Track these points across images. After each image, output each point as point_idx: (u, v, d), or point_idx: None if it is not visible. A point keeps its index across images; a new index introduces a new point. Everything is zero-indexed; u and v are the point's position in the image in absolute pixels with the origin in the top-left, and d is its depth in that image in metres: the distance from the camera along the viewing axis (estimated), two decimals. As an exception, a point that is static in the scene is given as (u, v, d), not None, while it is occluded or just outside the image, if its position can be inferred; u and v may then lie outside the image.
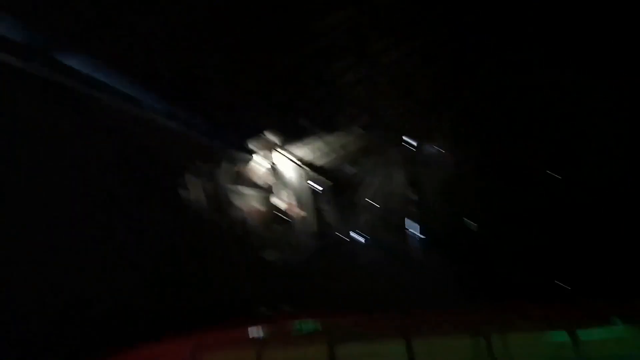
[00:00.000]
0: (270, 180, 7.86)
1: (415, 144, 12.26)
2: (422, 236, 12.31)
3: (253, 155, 6.56)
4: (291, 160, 8.64)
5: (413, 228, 12.45)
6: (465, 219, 8.05)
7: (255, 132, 5.81)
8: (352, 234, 13.16)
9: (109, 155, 2.52)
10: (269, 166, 7.33)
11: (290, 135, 6.73)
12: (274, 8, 3.06)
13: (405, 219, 12.59)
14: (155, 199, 3.02)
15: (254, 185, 7.23)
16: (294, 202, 8.90)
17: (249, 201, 6.98)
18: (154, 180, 2.98)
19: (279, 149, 7.13)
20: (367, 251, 12.27)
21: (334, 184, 13.63)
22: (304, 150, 8.82)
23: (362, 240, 12.95)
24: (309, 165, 9.75)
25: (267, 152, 6.81)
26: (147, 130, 3.05)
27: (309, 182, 10.67)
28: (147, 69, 2.85)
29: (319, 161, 9.97)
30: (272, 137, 6.42)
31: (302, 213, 9.23)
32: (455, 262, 8.17)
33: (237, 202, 6.45)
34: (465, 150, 7.75)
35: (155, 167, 3.05)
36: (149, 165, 2.95)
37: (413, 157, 12.19)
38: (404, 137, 11.85)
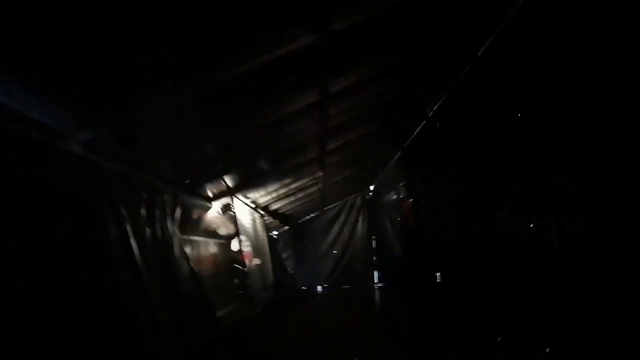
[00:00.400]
0: (225, 227, 7.34)
1: (375, 190, 12.15)
2: (382, 283, 11.96)
3: (207, 200, 6.08)
4: (248, 205, 8.17)
5: (374, 274, 12.14)
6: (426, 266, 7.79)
7: (211, 176, 5.36)
8: (311, 282, 12.69)
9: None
10: (224, 212, 6.84)
11: (249, 179, 6.33)
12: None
13: (366, 265, 12.30)
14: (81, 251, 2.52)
15: (207, 233, 6.67)
16: (250, 250, 8.35)
17: (201, 250, 6.41)
18: (78, 227, 2.49)
19: (235, 194, 6.68)
20: (327, 300, 11.78)
21: (293, 230, 13.23)
22: (263, 196, 8.38)
23: (322, 288, 12.49)
24: (267, 210, 9.31)
25: (222, 196, 6.35)
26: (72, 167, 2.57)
27: (267, 228, 10.20)
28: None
29: (278, 206, 9.56)
30: (228, 180, 5.98)
31: (259, 262, 8.67)
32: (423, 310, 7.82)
33: (188, 251, 5.85)
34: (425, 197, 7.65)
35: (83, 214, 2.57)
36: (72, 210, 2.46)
37: (373, 203, 12.05)
38: (364, 185, 11.77)
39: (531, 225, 4.19)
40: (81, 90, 2.43)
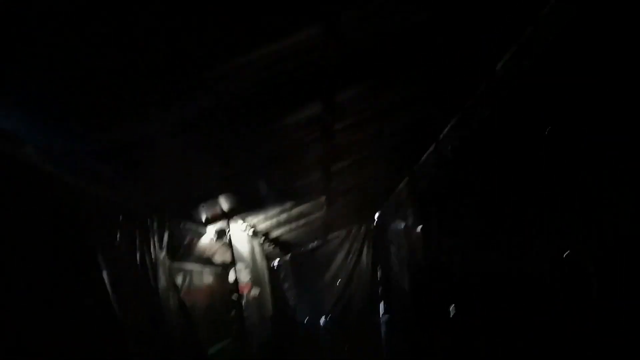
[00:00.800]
0: (220, 254, 6.88)
1: (380, 218, 11.67)
2: (388, 316, 11.42)
3: (200, 224, 5.64)
4: (246, 231, 7.70)
5: (379, 307, 11.51)
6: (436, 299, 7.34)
7: (204, 196, 4.93)
8: (312, 315, 12.05)
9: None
10: (220, 238, 6.39)
11: (247, 202, 5.90)
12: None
13: (371, 297, 11.68)
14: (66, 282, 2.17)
15: (200, 260, 6.21)
16: (248, 281, 7.83)
17: (193, 279, 5.92)
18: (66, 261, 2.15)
19: (231, 218, 6.26)
20: (329, 335, 11.14)
21: (294, 259, 12.66)
22: (263, 221, 7.92)
23: (325, 321, 11.83)
24: (267, 237, 8.82)
25: (217, 220, 5.92)
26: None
27: (267, 256, 9.69)
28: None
29: (278, 233, 9.07)
30: (224, 203, 5.56)
31: (258, 293, 8.13)
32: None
33: (178, 280, 5.38)
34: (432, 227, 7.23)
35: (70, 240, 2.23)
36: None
37: (379, 232, 11.53)
38: (369, 212, 11.30)
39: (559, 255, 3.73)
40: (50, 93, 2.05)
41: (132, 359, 3.15)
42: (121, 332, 3.08)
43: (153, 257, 4.03)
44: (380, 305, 11.58)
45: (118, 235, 3.25)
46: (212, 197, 5.05)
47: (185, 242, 5.53)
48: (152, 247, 4.04)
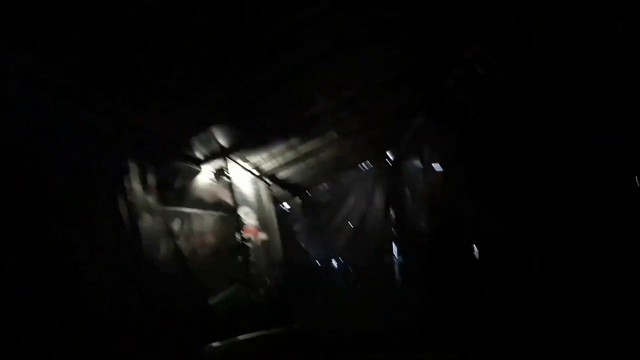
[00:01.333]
0: (222, 196, 6.31)
1: (394, 157, 10.96)
2: (403, 258, 11.02)
3: (196, 162, 5.02)
4: (251, 172, 7.08)
5: (393, 248, 11.10)
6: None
7: (197, 130, 4.24)
8: (325, 257, 11.71)
9: None
10: (219, 178, 5.81)
11: (247, 137, 5.22)
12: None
13: (385, 239, 11.25)
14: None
15: (200, 203, 5.65)
16: (255, 224, 7.32)
17: (190, 224, 5.37)
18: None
19: (235, 158, 5.62)
20: (342, 276, 10.86)
21: (304, 201, 12.17)
22: (267, 160, 7.27)
23: (338, 264, 11.51)
24: (273, 178, 8.22)
25: (215, 158, 5.30)
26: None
27: (275, 199, 9.17)
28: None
29: (286, 174, 8.46)
30: (221, 138, 4.90)
31: (265, 237, 7.65)
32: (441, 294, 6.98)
33: (176, 226, 4.85)
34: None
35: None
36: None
37: (393, 172, 10.87)
38: (383, 150, 10.58)
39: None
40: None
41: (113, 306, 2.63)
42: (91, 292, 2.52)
43: (133, 202, 3.40)
44: (394, 246, 11.16)
45: (85, 171, 2.60)
46: (206, 129, 4.34)
47: (179, 184, 4.92)
48: (130, 192, 3.40)
